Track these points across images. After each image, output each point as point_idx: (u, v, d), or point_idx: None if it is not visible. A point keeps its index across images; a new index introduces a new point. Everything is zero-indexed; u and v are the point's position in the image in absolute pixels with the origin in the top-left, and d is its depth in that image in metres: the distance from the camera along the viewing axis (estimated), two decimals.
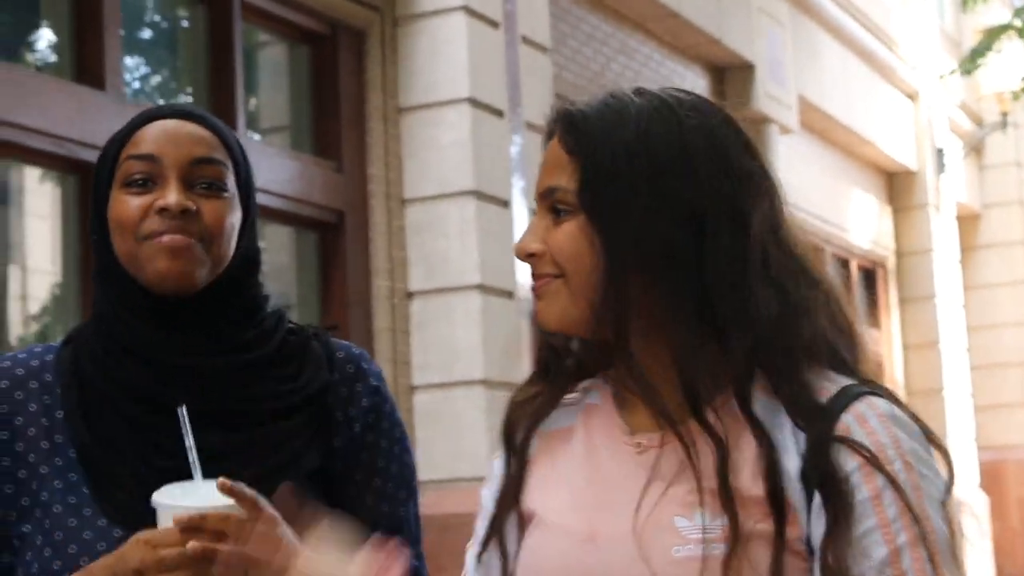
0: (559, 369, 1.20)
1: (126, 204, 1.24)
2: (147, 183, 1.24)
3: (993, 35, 9.07)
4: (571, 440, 1.20)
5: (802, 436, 1.02)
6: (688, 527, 1.05)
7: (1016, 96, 9.73)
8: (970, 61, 9.24)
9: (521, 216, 5.43)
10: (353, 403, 1.32)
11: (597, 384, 1.20)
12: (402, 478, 1.36)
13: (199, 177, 1.25)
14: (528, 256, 1.10)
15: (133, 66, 5.06)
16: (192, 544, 1.06)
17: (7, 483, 1.25)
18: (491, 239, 5.24)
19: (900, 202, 9.73)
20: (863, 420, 1.02)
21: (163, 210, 1.21)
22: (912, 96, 9.87)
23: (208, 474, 1.13)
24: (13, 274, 4.97)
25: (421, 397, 5.33)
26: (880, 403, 1.04)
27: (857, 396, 1.04)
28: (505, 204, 5.39)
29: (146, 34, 5.32)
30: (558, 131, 1.11)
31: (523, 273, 5.69)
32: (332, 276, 5.41)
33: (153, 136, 1.26)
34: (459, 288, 5.22)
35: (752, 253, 1.03)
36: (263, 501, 1.11)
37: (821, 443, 1.01)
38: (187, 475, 1.14)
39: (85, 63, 4.41)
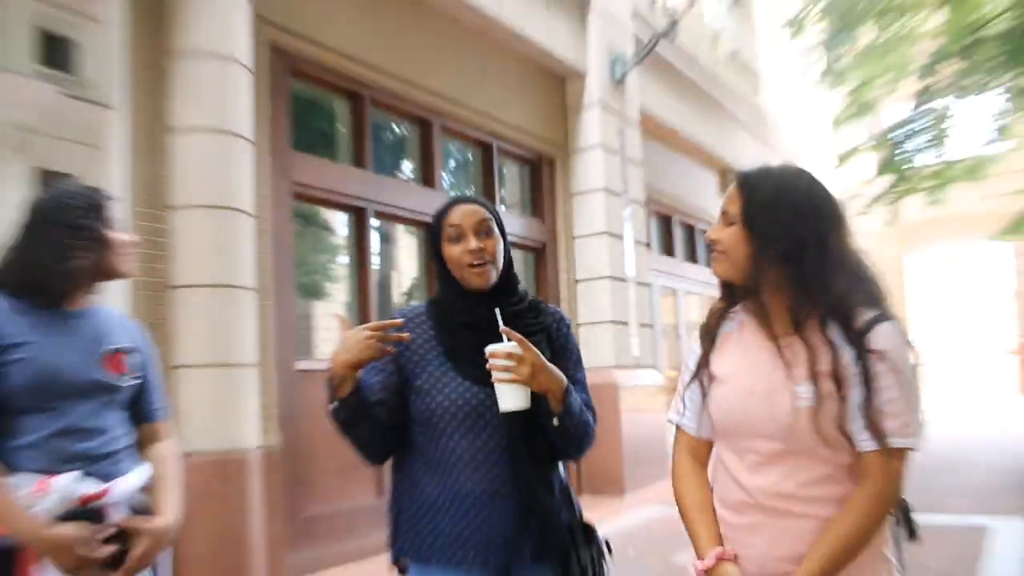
0: (729, 296, 1.73)
1: (452, 249, 1.94)
2: (459, 238, 1.94)
3: None
4: (733, 338, 1.73)
5: (851, 345, 1.55)
6: (801, 390, 1.58)
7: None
8: None
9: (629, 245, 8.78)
10: (559, 329, 2.08)
11: (743, 309, 1.72)
12: (578, 362, 2.09)
13: (482, 230, 1.95)
14: (711, 241, 1.68)
15: (447, 179, 7.57)
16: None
17: (406, 364, 1.98)
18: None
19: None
20: (882, 335, 1.54)
21: (470, 251, 1.92)
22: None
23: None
24: (395, 278, 7.22)
25: (581, 330, 8.45)
26: (889, 326, 1.55)
27: (879, 321, 1.55)
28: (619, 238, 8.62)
29: (451, 164, 7.84)
30: (735, 180, 1.63)
31: (630, 267, 8.75)
32: (540, 280, 8.60)
33: (458, 214, 1.97)
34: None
35: (831, 254, 1.60)
36: (528, 343, 1.80)
37: (860, 348, 1.53)
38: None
39: (423, 176, 7.20)
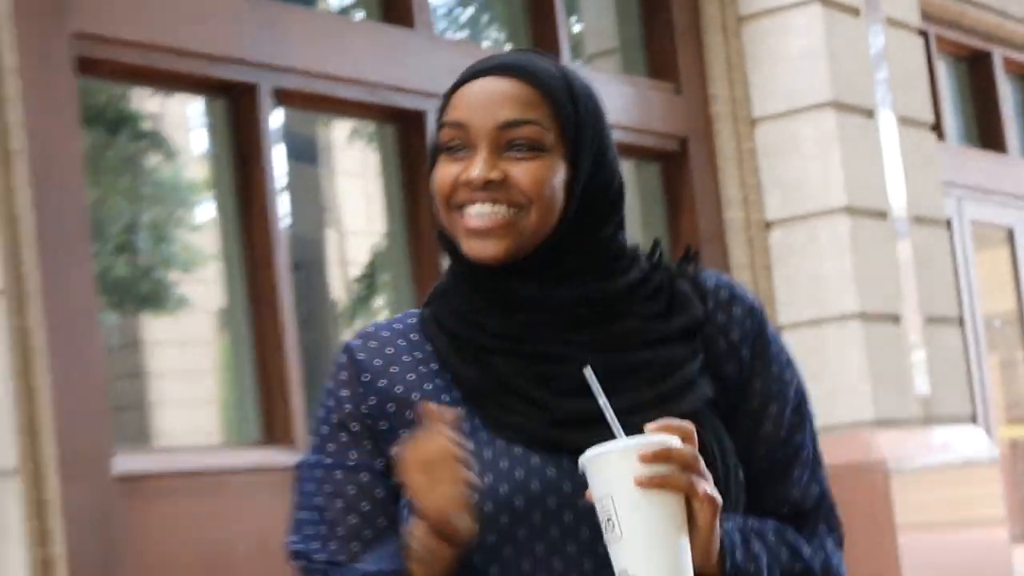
0: None
1: (441, 172, 1.45)
2: (462, 149, 1.43)
3: None
4: None
5: None
6: None
7: None
8: None
9: (889, 125, 5.99)
10: (733, 328, 1.50)
11: None
12: (798, 402, 1.54)
13: (510, 140, 1.42)
14: None
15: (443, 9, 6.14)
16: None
17: (382, 438, 1.51)
18: (856, 155, 5.84)
19: None
20: None
21: (467, 183, 1.42)
22: None
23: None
24: (330, 239, 5.87)
25: (789, 337, 5.86)
26: None
27: None
28: (869, 114, 6.00)
29: None
30: None
31: (897, 190, 6.58)
32: (679, 211, 6.32)
33: (465, 100, 1.44)
34: (823, 213, 5.94)
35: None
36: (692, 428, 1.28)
37: None
38: (567, 394, 1.39)
39: (390, 1, 5.34)
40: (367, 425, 1.51)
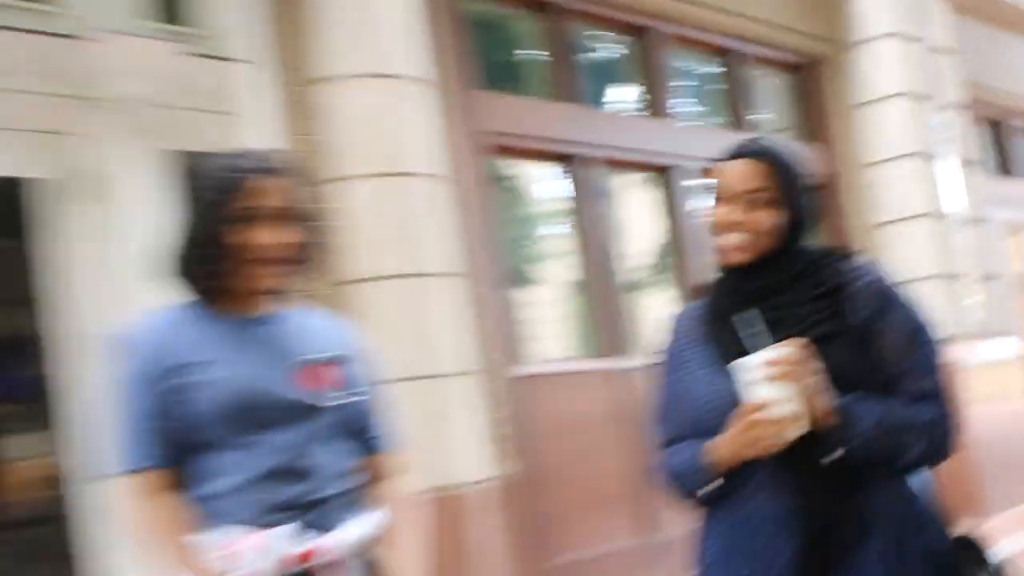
0: None
1: (714, 214, 2.15)
2: (721, 200, 2.14)
3: None
4: None
5: None
6: None
7: None
8: None
9: None
10: (861, 293, 2.11)
11: None
12: (910, 335, 2.12)
13: (749, 199, 2.11)
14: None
15: (678, 105, 7.64)
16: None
17: (677, 367, 2.26)
18: None
19: None
20: None
21: (718, 223, 2.13)
22: None
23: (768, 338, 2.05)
24: (623, 243, 7.12)
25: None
26: None
27: None
28: None
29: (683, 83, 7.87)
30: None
31: None
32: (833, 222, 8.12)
33: (726, 175, 2.15)
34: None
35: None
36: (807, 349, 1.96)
37: None
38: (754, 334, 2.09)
39: (650, 104, 7.30)
40: (674, 366, 2.26)
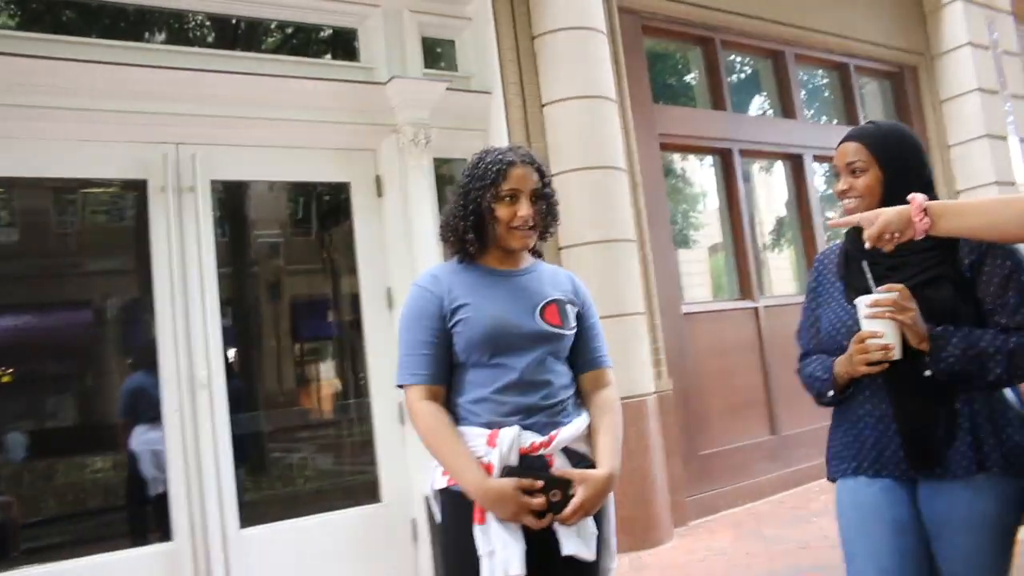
0: None
1: (835, 186, 2.17)
2: (838, 175, 2.13)
3: None
4: None
5: None
6: None
7: None
8: None
9: None
10: (967, 251, 2.03)
11: None
12: (1006, 280, 2.00)
13: (848, 169, 2.12)
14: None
15: (806, 108, 7.67)
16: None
17: (817, 302, 2.26)
18: None
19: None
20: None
21: (836, 192, 2.15)
22: None
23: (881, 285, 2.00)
24: (758, 215, 7.28)
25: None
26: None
27: None
28: None
29: (808, 91, 7.88)
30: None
31: None
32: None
33: (836, 155, 2.15)
34: None
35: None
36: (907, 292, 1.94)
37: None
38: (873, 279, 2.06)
39: (783, 108, 7.29)
40: (813, 296, 2.28)
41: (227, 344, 4.26)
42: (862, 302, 1.97)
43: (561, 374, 2.18)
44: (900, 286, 1.95)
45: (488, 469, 2.02)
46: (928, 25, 8.34)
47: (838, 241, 2.28)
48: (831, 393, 2.14)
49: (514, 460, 2.03)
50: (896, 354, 1.96)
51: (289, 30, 5.04)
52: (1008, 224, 1.77)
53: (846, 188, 2.11)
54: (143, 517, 4.22)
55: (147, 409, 4.17)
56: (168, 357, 4.07)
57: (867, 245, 1.91)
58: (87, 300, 4.32)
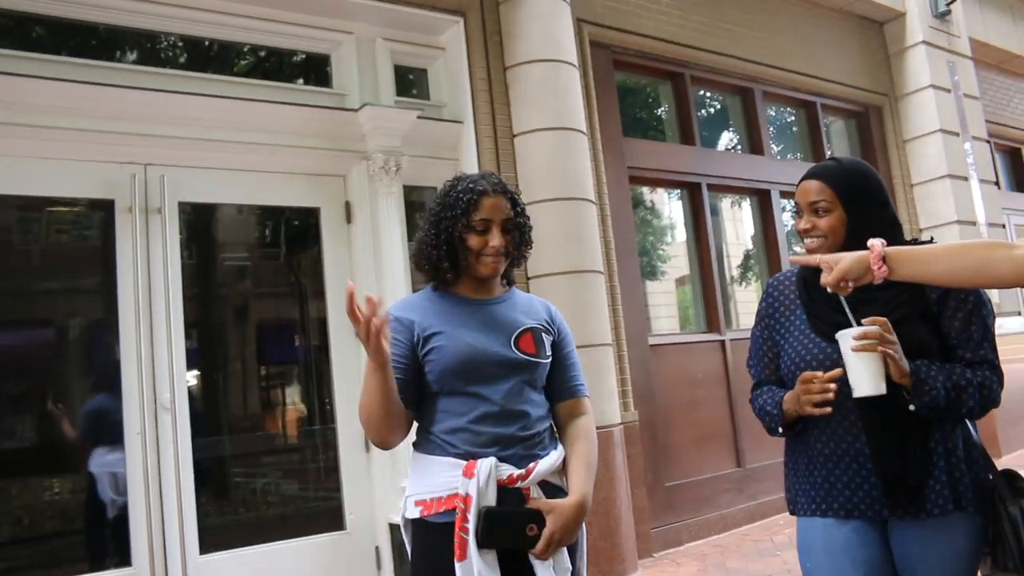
0: None
1: (797, 224, 2.12)
2: (800, 213, 2.11)
3: None
4: None
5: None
6: None
7: None
8: None
9: None
10: (932, 290, 2.02)
11: None
12: (968, 317, 2.01)
13: (812, 208, 2.07)
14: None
15: (774, 145, 7.63)
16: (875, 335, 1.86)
17: (774, 329, 2.18)
18: None
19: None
20: None
21: (798, 230, 2.11)
22: None
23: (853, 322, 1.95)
24: (724, 247, 7.17)
25: None
26: None
27: None
28: None
29: (776, 128, 7.85)
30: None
31: None
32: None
33: (799, 193, 2.09)
34: None
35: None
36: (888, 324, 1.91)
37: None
38: (841, 313, 1.99)
39: (751, 145, 7.30)
40: (767, 323, 2.21)
41: (191, 367, 4.22)
42: (847, 335, 1.92)
43: (538, 404, 2.15)
44: (882, 319, 1.92)
45: (466, 501, 1.97)
46: (892, 67, 8.53)
47: (791, 268, 2.25)
48: (780, 429, 2.13)
49: (492, 491, 1.99)
50: (881, 388, 1.91)
51: (262, 54, 5.04)
52: (966, 271, 1.77)
53: (809, 227, 2.08)
54: (101, 541, 4.13)
55: (108, 431, 4.12)
56: (131, 379, 4.04)
57: (828, 290, 1.89)
58: (49, 319, 4.26)
